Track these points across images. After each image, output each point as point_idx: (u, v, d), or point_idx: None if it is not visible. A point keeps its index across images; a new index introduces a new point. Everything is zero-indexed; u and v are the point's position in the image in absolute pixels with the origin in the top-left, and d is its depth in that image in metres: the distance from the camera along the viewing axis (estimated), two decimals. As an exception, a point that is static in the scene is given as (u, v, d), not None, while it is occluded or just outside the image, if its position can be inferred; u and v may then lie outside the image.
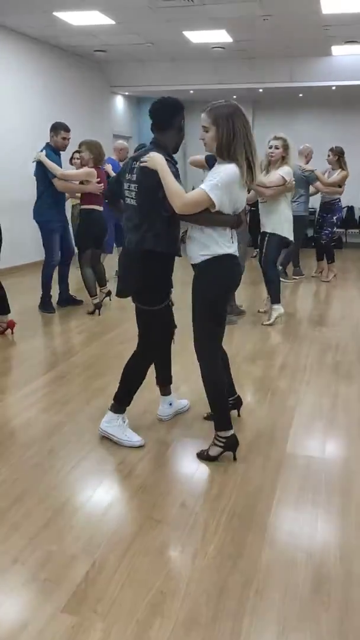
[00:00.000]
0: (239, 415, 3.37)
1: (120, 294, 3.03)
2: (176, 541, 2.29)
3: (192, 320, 2.84)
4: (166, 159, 2.71)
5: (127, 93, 11.26)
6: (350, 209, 11.59)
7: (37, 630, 1.84)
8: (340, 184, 7.60)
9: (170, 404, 3.39)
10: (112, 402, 3.09)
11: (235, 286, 3.04)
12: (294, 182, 5.44)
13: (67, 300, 6.17)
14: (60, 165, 5.76)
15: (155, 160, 2.67)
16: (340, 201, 8.06)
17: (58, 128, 5.76)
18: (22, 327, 5.24)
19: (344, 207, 9.48)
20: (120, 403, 3.08)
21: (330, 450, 3.10)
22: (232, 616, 1.91)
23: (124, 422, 3.09)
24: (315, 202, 8.49)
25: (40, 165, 5.63)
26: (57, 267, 6.01)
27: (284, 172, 5.27)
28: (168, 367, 3.34)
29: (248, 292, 6.80)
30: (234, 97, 11.56)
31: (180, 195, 2.60)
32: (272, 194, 5.28)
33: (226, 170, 2.58)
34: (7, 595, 2.00)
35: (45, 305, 5.96)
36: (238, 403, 3.38)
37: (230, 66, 9.66)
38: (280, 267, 6.79)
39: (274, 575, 2.11)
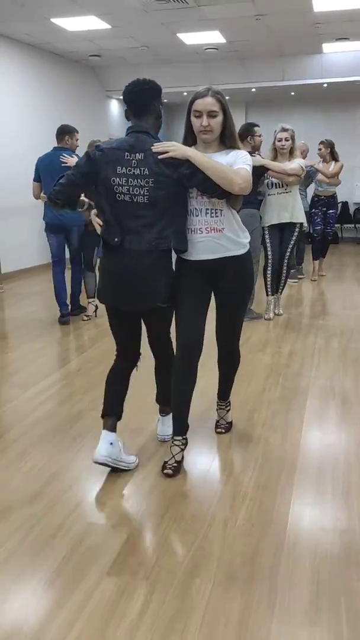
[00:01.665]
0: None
1: (147, 302, 2.58)
2: (206, 511, 2.41)
3: (232, 315, 2.85)
4: None
5: (121, 97, 11.36)
6: (345, 204, 11.75)
7: (85, 593, 1.95)
8: (337, 173, 7.61)
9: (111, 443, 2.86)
10: (161, 407, 3.04)
11: None
12: (307, 172, 5.54)
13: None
14: None
15: (184, 149, 2.47)
16: (336, 194, 8.18)
17: (72, 131, 5.79)
18: (30, 327, 5.34)
19: (338, 203, 9.61)
20: (168, 402, 2.90)
21: (345, 427, 3.22)
22: (267, 576, 2.02)
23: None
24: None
25: (51, 168, 5.49)
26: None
27: (301, 162, 5.35)
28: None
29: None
30: (227, 97, 11.71)
31: (237, 173, 2.48)
32: (293, 181, 5.30)
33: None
34: (51, 564, 2.10)
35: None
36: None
37: (223, 67, 9.80)
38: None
39: (303, 540, 2.22)
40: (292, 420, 3.28)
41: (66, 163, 5.31)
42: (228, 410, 3.17)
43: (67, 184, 2.54)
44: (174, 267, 2.67)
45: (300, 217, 5.49)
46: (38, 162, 5.66)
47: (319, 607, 1.88)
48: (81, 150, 7.65)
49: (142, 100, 2.50)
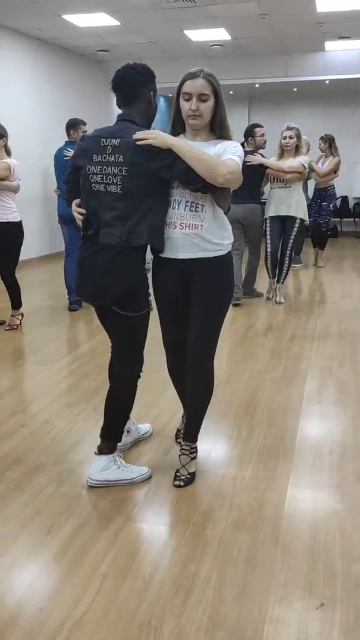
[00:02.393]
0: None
1: (98, 298, 2.43)
2: (217, 470, 2.69)
3: (202, 327, 2.45)
4: None
5: (126, 91, 11.61)
6: (344, 198, 12.01)
7: (114, 533, 2.24)
8: (335, 170, 7.89)
9: (128, 431, 2.89)
10: (101, 442, 2.58)
11: None
12: (307, 170, 5.82)
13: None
14: None
15: (165, 137, 2.24)
16: (334, 188, 8.41)
17: (79, 123, 5.99)
18: (42, 314, 5.62)
19: (338, 197, 9.86)
20: (113, 438, 2.59)
21: (341, 400, 3.51)
22: (272, 521, 2.31)
23: (120, 459, 2.61)
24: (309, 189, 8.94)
25: (59, 163, 5.84)
26: None
27: (303, 160, 5.66)
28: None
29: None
30: (231, 92, 11.97)
31: (224, 163, 2.22)
32: (290, 178, 5.64)
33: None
34: (80, 514, 2.39)
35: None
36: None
37: (227, 63, 10.04)
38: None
39: (302, 499, 2.52)
40: (294, 396, 3.56)
41: (68, 157, 5.43)
42: (193, 458, 2.62)
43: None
44: (148, 270, 2.47)
45: (300, 212, 5.78)
46: (54, 156, 5.97)
47: (316, 550, 2.18)
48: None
49: (130, 86, 2.33)
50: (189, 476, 2.58)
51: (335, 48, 9.13)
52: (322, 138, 7.96)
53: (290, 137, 5.72)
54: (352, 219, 12.24)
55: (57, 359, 4.32)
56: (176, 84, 2.30)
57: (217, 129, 2.35)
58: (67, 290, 5.84)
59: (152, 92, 2.38)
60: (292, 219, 5.77)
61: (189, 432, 2.62)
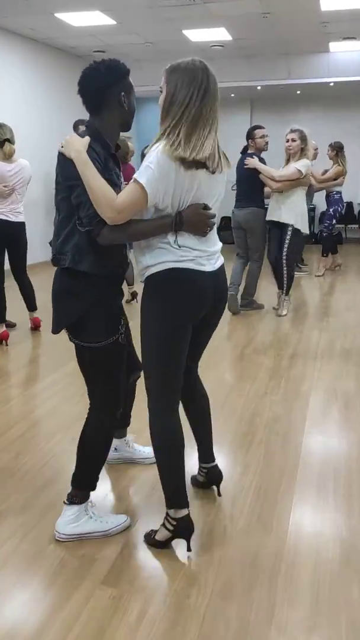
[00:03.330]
0: (219, 494, 2.50)
1: (54, 324, 2.16)
2: (205, 517, 2.36)
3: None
4: (92, 149, 1.96)
5: (125, 93, 11.33)
6: (349, 204, 11.67)
7: (80, 602, 1.91)
8: (335, 179, 7.78)
9: (116, 449, 2.72)
10: (71, 490, 2.24)
11: (190, 307, 2.03)
12: (310, 176, 5.51)
13: None
14: None
15: (72, 145, 1.95)
16: (337, 194, 8.18)
17: (76, 125, 5.91)
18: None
19: (345, 202, 9.55)
20: (85, 486, 2.24)
21: (346, 431, 3.17)
22: (267, 586, 1.98)
23: (92, 509, 2.26)
24: (319, 197, 8.70)
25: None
26: None
27: (300, 164, 5.35)
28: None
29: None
30: (232, 95, 11.68)
31: (109, 200, 1.87)
32: (279, 187, 5.36)
33: (156, 149, 1.89)
34: (47, 570, 2.06)
35: None
36: (215, 475, 2.48)
37: (228, 64, 9.72)
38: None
39: (303, 548, 2.18)
40: (294, 423, 3.23)
41: None
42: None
43: None
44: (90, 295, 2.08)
45: (292, 219, 5.48)
46: None
47: (318, 620, 1.84)
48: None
49: (93, 92, 2.04)
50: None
51: (340, 49, 8.83)
52: (330, 145, 7.89)
53: (293, 140, 5.43)
54: (357, 225, 11.91)
55: (40, 379, 3.99)
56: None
57: (161, 119, 1.97)
58: None
59: (122, 93, 2.05)
60: (285, 225, 5.50)
61: (211, 451, 2.47)
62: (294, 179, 5.37)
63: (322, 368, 4.14)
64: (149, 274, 2.01)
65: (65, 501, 2.24)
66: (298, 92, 11.13)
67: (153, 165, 1.85)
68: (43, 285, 7.32)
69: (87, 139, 1.97)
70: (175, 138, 1.87)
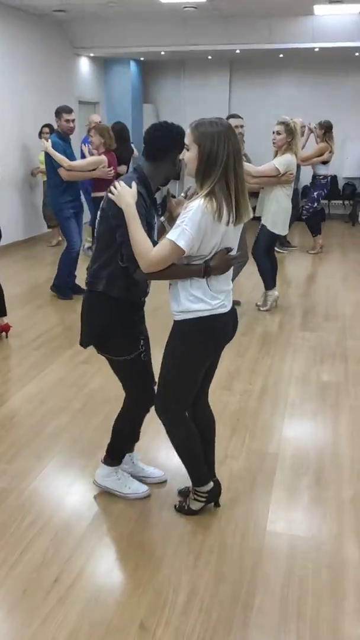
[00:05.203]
0: (217, 505, 2.68)
1: (83, 338, 2.59)
2: None
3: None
4: (141, 194, 2.31)
5: (92, 54, 10.36)
6: (334, 178, 10.98)
7: None
8: (318, 156, 7.55)
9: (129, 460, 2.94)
10: (105, 454, 2.77)
11: (218, 347, 2.48)
12: (292, 175, 4.97)
13: (74, 290, 5.87)
14: (69, 151, 5.63)
15: (123, 197, 2.25)
16: (324, 178, 7.91)
17: (60, 112, 5.59)
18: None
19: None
20: (113, 457, 2.76)
21: (317, 518, 2.68)
22: None
23: (123, 474, 2.78)
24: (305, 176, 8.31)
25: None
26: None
27: (279, 161, 4.93)
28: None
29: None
30: (209, 57, 10.76)
31: (145, 253, 2.19)
32: (257, 183, 4.96)
33: (194, 210, 2.12)
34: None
35: (58, 288, 5.89)
36: (215, 490, 2.65)
37: (203, 26, 8.83)
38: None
39: None
40: (256, 510, 2.73)
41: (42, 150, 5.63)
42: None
43: None
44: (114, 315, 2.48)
45: (263, 217, 5.20)
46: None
47: None
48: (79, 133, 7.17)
49: (156, 146, 2.39)
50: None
51: (325, 12, 8.01)
52: (319, 124, 7.54)
53: (278, 133, 4.94)
54: (341, 201, 11.26)
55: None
56: (147, 49, 2.03)
57: (199, 179, 2.20)
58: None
59: (179, 153, 2.40)
60: (259, 220, 5.24)
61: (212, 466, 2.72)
62: (272, 176, 4.93)
63: (293, 414, 3.64)
64: (184, 318, 2.30)
65: (101, 460, 2.77)
66: (281, 55, 10.28)
67: (191, 228, 2.11)
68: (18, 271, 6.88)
69: (134, 189, 2.28)
70: (216, 202, 2.11)
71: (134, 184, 2.30)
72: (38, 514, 2.67)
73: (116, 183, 2.31)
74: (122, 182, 2.30)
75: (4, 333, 4.81)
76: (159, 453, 3.12)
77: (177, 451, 2.57)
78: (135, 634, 2.04)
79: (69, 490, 2.84)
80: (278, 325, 5.24)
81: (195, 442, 2.54)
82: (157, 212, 2.52)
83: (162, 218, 2.58)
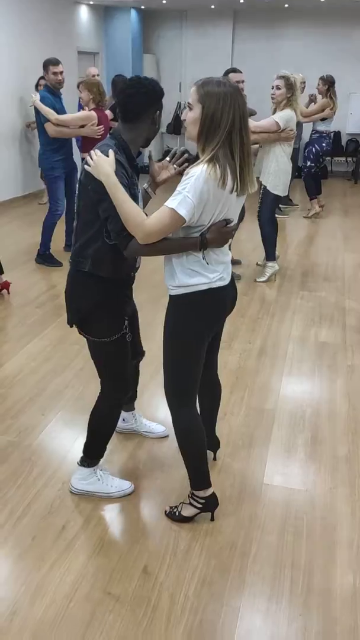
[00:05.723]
0: (214, 458, 2.78)
1: (68, 317, 2.41)
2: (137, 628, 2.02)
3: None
4: (120, 163, 2.13)
5: (92, 2, 10.03)
6: (337, 134, 10.80)
7: None
8: (319, 112, 7.34)
9: (124, 420, 2.96)
10: (82, 455, 2.57)
11: (217, 321, 2.33)
12: (292, 131, 4.86)
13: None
14: (59, 106, 5.45)
15: (101, 168, 2.07)
16: (315, 133, 7.65)
17: (47, 64, 5.40)
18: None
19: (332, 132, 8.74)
20: (93, 456, 2.57)
21: (312, 471, 2.80)
22: None
23: (103, 472, 2.60)
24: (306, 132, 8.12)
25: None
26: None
27: (279, 116, 4.79)
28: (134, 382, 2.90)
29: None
30: (212, 7, 10.42)
31: (139, 223, 2.01)
32: (256, 139, 4.77)
33: (197, 176, 1.95)
34: None
35: (44, 257, 5.68)
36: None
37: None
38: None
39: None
40: (254, 464, 2.85)
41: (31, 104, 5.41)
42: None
43: None
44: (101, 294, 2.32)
45: (263, 178, 5.03)
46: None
47: None
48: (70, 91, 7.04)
49: (134, 106, 2.18)
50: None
51: None
52: (321, 78, 7.26)
53: (277, 88, 4.81)
54: (344, 158, 11.12)
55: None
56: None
57: (200, 142, 2.03)
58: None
59: (158, 112, 2.25)
60: (260, 182, 5.05)
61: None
62: (272, 131, 4.81)
63: (292, 372, 3.72)
64: (181, 293, 2.15)
65: (78, 462, 2.58)
66: (286, 5, 9.96)
67: (193, 196, 1.95)
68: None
69: (112, 157, 2.09)
70: (220, 168, 1.95)
71: (111, 152, 2.11)
72: (45, 467, 2.78)
73: (92, 152, 2.12)
74: (97, 151, 2.12)
75: (4, 291, 4.84)
76: (157, 411, 3.21)
77: (179, 444, 2.39)
78: (138, 578, 2.17)
79: (74, 444, 2.93)
80: (278, 286, 5.28)
81: (200, 438, 2.36)
82: (137, 178, 2.31)
83: (145, 185, 2.42)
